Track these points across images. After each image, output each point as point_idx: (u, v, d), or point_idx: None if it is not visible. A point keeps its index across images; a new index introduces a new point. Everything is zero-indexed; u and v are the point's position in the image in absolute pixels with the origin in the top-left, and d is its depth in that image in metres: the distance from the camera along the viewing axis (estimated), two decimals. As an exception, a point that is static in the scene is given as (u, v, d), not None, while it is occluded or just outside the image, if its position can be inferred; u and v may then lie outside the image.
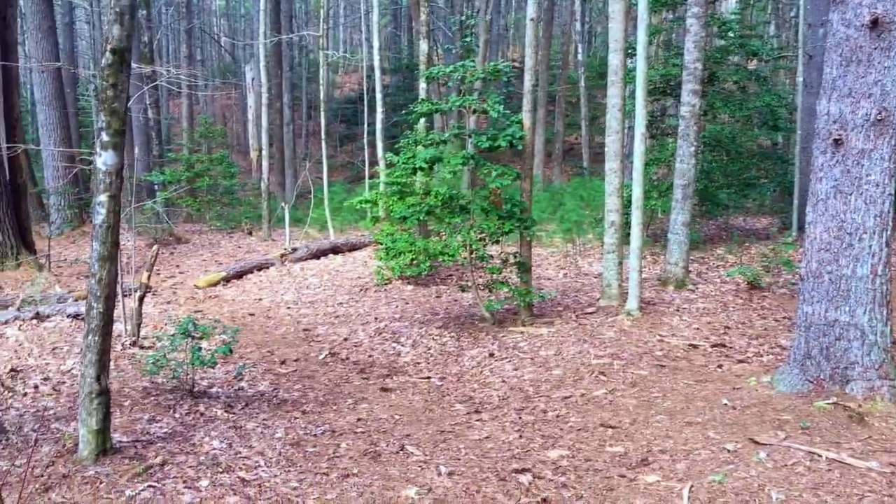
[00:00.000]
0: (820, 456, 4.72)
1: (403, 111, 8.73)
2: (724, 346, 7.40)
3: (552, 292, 9.70)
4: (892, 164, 5.24)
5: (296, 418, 5.85)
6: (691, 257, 11.75)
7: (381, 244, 9.83)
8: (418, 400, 6.50)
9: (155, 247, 8.10)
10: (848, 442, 4.92)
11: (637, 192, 8.32)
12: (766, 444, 4.93)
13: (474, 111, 8.47)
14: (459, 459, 5.05)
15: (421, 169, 7.99)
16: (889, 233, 5.32)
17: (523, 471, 4.79)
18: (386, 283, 11.20)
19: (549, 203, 18.05)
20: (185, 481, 4.40)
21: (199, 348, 6.04)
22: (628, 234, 9.00)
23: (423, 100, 9.30)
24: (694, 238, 12.65)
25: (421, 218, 8.30)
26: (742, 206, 15.90)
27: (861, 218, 5.26)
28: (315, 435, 5.47)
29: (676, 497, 4.35)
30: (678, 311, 8.78)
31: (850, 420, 5.18)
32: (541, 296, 8.85)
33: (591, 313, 8.74)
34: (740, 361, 6.88)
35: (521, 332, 8.21)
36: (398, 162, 8.49)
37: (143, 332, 8.04)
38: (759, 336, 7.68)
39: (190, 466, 4.65)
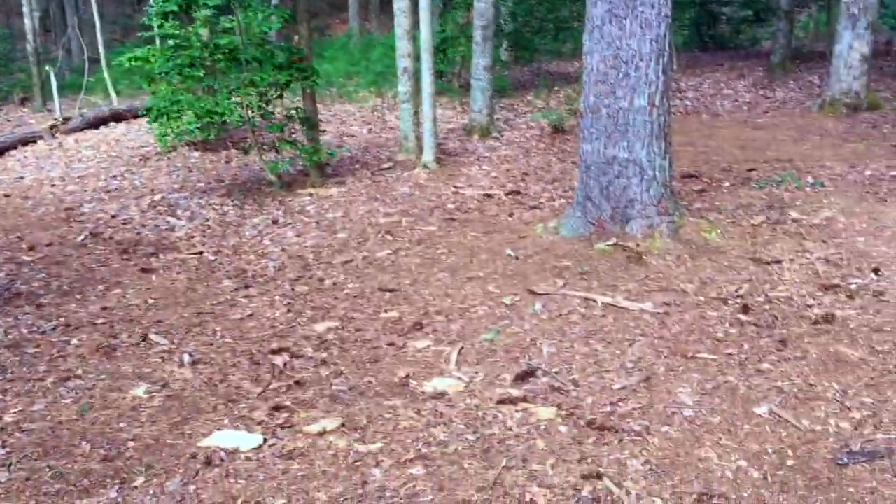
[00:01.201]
0: (595, 301, 4.48)
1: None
2: (518, 192, 7.07)
3: (346, 149, 9.00)
4: (668, -18, 4.80)
5: (26, 314, 4.97)
6: (501, 104, 11.35)
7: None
8: (182, 279, 5.74)
9: None
10: (625, 284, 4.71)
11: (425, 33, 7.59)
12: (543, 294, 4.63)
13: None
14: (212, 345, 4.43)
15: (173, 13, 6.84)
16: (666, 60, 4.95)
17: (281, 350, 4.24)
18: (170, 151, 10.08)
19: (363, 56, 17.01)
20: None
21: None
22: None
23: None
24: (503, 84, 12.22)
25: (183, 71, 7.21)
26: (557, 51, 15.57)
27: (637, 44, 4.83)
28: (43, 332, 4.65)
29: (444, 362, 3.97)
30: (479, 160, 8.37)
31: (628, 261, 4.97)
32: (330, 153, 8.13)
33: (387, 169, 8.16)
34: (532, 208, 6.57)
35: (310, 195, 7.52)
36: (153, 8, 7.26)
37: None
38: (555, 180, 7.41)
39: None
